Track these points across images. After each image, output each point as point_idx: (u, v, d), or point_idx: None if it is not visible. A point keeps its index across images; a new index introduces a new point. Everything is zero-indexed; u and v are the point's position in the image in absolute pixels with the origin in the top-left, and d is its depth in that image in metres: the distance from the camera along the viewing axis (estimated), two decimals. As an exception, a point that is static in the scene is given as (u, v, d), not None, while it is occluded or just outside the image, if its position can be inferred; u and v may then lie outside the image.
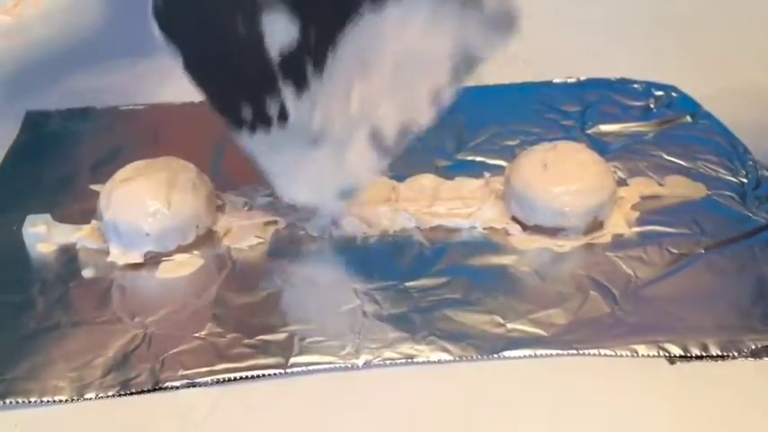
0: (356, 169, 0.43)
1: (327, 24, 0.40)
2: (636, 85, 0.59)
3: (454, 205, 0.48)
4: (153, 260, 0.45)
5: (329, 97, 0.41)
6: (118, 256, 0.45)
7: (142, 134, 0.55)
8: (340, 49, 0.40)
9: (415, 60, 0.40)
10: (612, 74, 0.59)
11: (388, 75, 0.40)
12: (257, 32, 0.40)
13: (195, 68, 0.42)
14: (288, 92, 0.41)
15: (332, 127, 0.42)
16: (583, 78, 0.59)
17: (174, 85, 0.58)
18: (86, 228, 0.47)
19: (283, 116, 0.42)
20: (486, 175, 0.50)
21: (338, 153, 0.43)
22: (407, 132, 0.42)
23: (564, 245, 0.46)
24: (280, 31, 0.40)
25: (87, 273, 0.45)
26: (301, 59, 0.40)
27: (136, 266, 0.45)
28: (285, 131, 0.42)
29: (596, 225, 0.47)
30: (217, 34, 0.41)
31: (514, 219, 0.47)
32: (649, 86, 0.58)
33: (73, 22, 0.66)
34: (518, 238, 0.47)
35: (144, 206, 0.45)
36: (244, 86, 0.42)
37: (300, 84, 0.41)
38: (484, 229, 0.47)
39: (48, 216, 0.47)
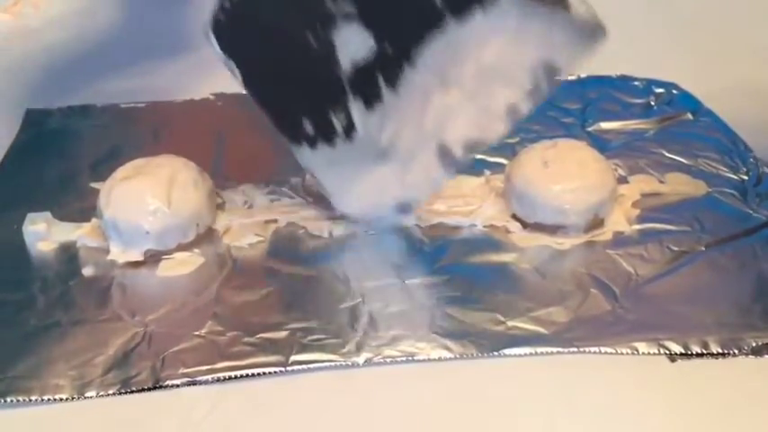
0: (419, 183, 0.43)
1: (406, 36, 0.39)
2: (637, 83, 0.59)
3: (455, 203, 0.48)
4: (153, 258, 0.45)
5: (402, 111, 0.41)
6: (118, 254, 0.45)
7: (142, 132, 0.55)
8: (419, 61, 0.39)
9: (496, 72, 0.39)
10: (613, 71, 0.59)
11: (468, 87, 0.39)
12: (329, 44, 0.39)
13: (256, 84, 0.42)
14: (357, 105, 0.41)
15: (401, 141, 0.41)
16: (583, 76, 0.59)
17: (174, 84, 0.58)
18: (87, 226, 0.47)
19: (350, 130, 0.42)
20: (487, 172, 0.50)
21: (403, 167, 0.42)
22: (478, 146, 0.41)
23: (564, 242, 0.46)
24: (354, 43, 0.39)
25: (87, 271, 0.45)
26: (374, 72, 0.40)
27: (136, 265, 0.45)
28: (349, 145, 0.42)
29: (597, 223, 0.46)
30: (282, 48, 0.41)
31: (515, 216, 0.47)
32: (650, 84, 0.58)
33: (73, 20, 0.66)
34: (518, 235, 0.47)
35: (144, 204, 0.45)
36: (308, 100, 0.42)
37: (371, 97, 0.40)
38: (484, 226, 0.47)
39: (48, 214, 0.47)
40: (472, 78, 0.39)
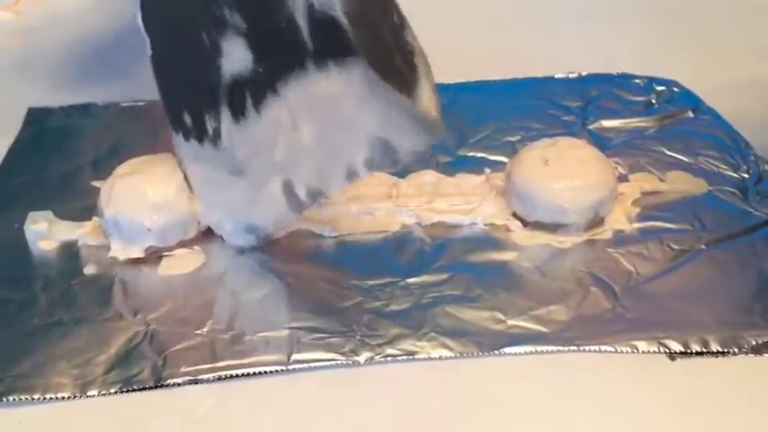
0: (266, 212, 0.43)
1: (276, 66, 0.40)
2: (637, 81, 0.58)
3: (455, 201, 0.48)
4: (154, 255, 0.45)
5: (260, 135, 0.41)
6: (119, 251, 0.45)
7: (144, 130, 0.55)
8: (281, 93, 0.40)
9: (340, 131, 0.39)
10: (614, 69, 0.59)
11: (314, 137, 0.40)
12: (217, 49, 0.41)
13: (158, 63, 0.43)
14: (226, 116, 0.42)
15: (254, 164, 0.42)
16: (584, 74, 0.59)
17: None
18: (88, 224, 0.47)
19: (217, 137, 0.42)
20: (487, 171, 0.50)
21: (254, 190, 0.43)
22: (319, 196, 0.42)
23: (565, 241, 0.46)
24: (236, 56, 0.40)
25: (89, 269, 0.45)
26: (245, 90, 0.41)
27: (137, 262, 0.45)
28: (214, 151, 0.43)
29: (597, 221, 0.47)
30: (182, 39, 0.42)
31: (515, 215, 0.47)
32: (651, 81, 0.58)
33: (74, 19, 0.66)
34: (519, 234, 0.47)
35: (145, 201, 0.45)
36: (191, 95, 0.43)
37: (239, 112, 0.41)
38: (485, 225, 0.47)
39: (49, 213, 0.47)
40: (320, 128, 0.40)
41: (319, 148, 0.40)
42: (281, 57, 0.40)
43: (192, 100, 0.43)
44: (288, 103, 0.40)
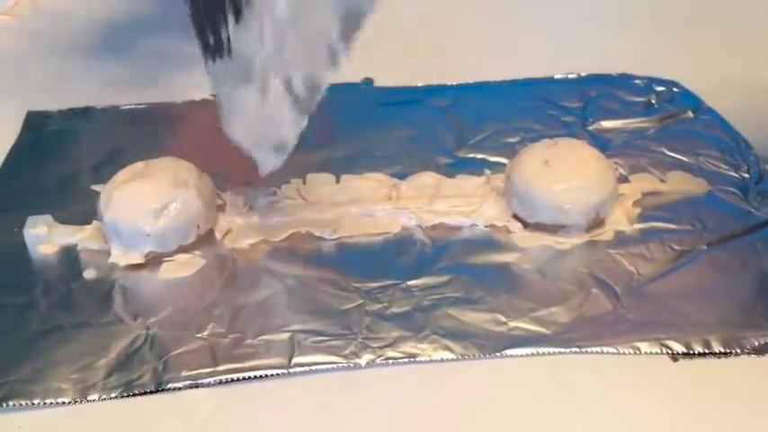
0: (280, 120, 0.42)
1: None
2: (637, 81, 0.58)
3: (455, 203, 0.48)
4: (154, 261, 0.45)
5: (252, 29, 0.40)
6: (119, 256, 0.45)
7: (143, 134, 0.55)
8: None
9: (303, 17, 0.39)
10: (613, 69, 0.59)
11: (290, 11, 0.39)
12: None
13: None
14: (231, 19, 0.41)
15: (255, 66, 0.41)
16: (584, 74, 0.59)
17: (174, 83, 0.58)
18: (87, 229, 0.47)
19: (229, 45, 0.42)
20: (487, 172, 0.50)
21: (262, 98, 0.42)
22: (315, 90, 0.41)
23: (565, 242, 0.46)
24: None
25: (89, 274, 0.45)
26: None
27: (137, 267, 0.45)
28: (231, 63, 0.42)
29: (598, 222, 0.46)
30: None
31: (516, 216, 0.47)
32: (651, 82, 0.58)
33: (74, 22, 0.66)
34: (519, 235, 0.46)
35: (144, 206, 0.44)
36: (210, 7, 0.42)
37: (237, 10, 0.40)
38: (485, 227, 0.47)
39: (48, 217, 0.47)
40: (292, 11, 0.39)
41: (297, 25, 0.39)
42: None
43: (210, 14, 0.42)
44: None
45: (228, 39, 0.42)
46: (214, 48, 0.43)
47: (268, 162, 0.45)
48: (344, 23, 0.38)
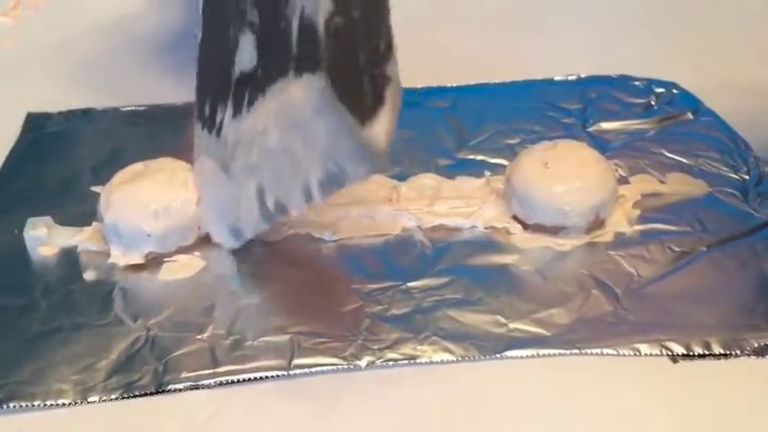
0: (246, 216, 0.43)
1: (271, 68, 0.40)
2: (637, 83, 0.58)
3: (455, 205, 0.48)
4: (154, 261, 0.45)
5: (244, 134, 0.41)
6: (119, 257, 0.45)
7: (143, 135, 0.55)
8: (267, 96, 0.40)
9: (300, 143, 0.39)
10: (613, 71, 0.59)
11: (279, 144, 0.40)
12: (236, 42, 0.41)
13: (200, 51, 0.44)
14: (229, 109, 0.42)
15: (237, 163, 0.42)
16: (583, 76, 0.59)
17: (174, 85, 0.58)
18: (87, 230, 0.46)
19: (220, 128, 0.43)
20: (487, 173, 0.50)
21: (235, 191, 0.43)
22: (283, 211, 0.41)
23: (565, 244, 0.46)
24: (246, 53, 0.41)
25: (89, 275, 0.45)
26: (245, 87, 0.41)
27: (137, 268, 0.45)
28: (216, 142, 0.43)
29: (598, 223, 0.46)
30: (218, 29, 0.43)
31: (515, 218, 0.47)
32: (650, 83, 0.58)
33: (73, 23, 0.66)
34: (519, 237, 0.46)
35: (144, 207, 0.44)
36: (214, 84, 0.43)
37: (236, 108, 0.41)
38: (485, 228, 0.47)
39: (48, 218, 0.47)
40: (284, 136, 0.40)
41: (282, 156, 0.40)
42: (276, 59, 0.40)
43: (213, 90, 0.43)
44: (267, 106, 0.40)
45: (221, 123, 0.43)
46: (207, 120, 0.44)
47: (225, 240, 0.45)
48: (325, 178, 0.39)
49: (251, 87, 0.41)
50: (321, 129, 0.38)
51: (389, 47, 0.40)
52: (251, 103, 0.41)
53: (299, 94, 0.38)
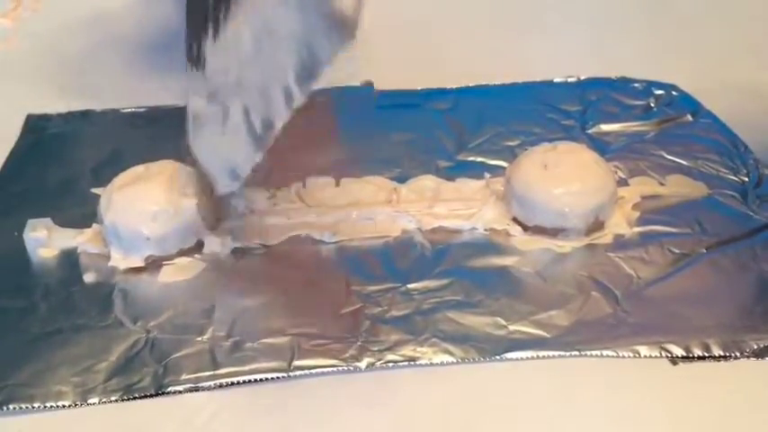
0: (236, 147, 0.42)
1: None
2: (636, 84, 0.58)
3: (455, 206, 0.48)
4: (154, 264, 0.45)
5: (224, 52, 0.40)
6: (119, 260, 0.45)
7: (143, 137, 0.55)
8: (239, 11, 0.39)
9: (272, 37, 0.38)
10: (613, 73, 0.59)
11: (252, 45, 0.39)
12: None
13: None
14: (210, 34, 0.41)
15: (220, 87, 0.41)
16: (583, 78, 0.59)
17: (174, 87, 0.58)
18: (87, 232, 0.46)
19: (204, 59, 0.42)
20: (487, 175, 0.50)
21: (222, 119, 0.42)
22: (270, 128, 0.40)
23: (565, 245, 0.46)
24: None
25: (88, 277, 0.45)
26: (219, 5, 0.40)
27: (137, 270, 0.45)
28: (202, 76, 0.42)
29: (597, 225, 0.46)
30: None
31: (515, 220, 0.47)
32: (650, 85, 0.58)
33: (72, 25, 0.66)
34: (519, 239, 0.46)
35: (144, 210, 0.44)
36: (198, 17, 0.42)
37: (216, 28, 0.40)
38: (485, 230, 0.47)
39: (48, 220, 0.47)
40: (256, 35, 0.39)
41: (258, 61, 0.39)
42: None
43: (197, 23, 0.42)
44: (239, 11, 0.39)
45: (204, 53, 0.42)
46: (195, 57, 0.43)
47: (224, 183, 0.44)
48: (301, 69, 0.38)
49: (223, 5, 0.40)
50: (287, 14, 0.37)
51: None
52: (226, 17, 0.40)
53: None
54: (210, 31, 0.41)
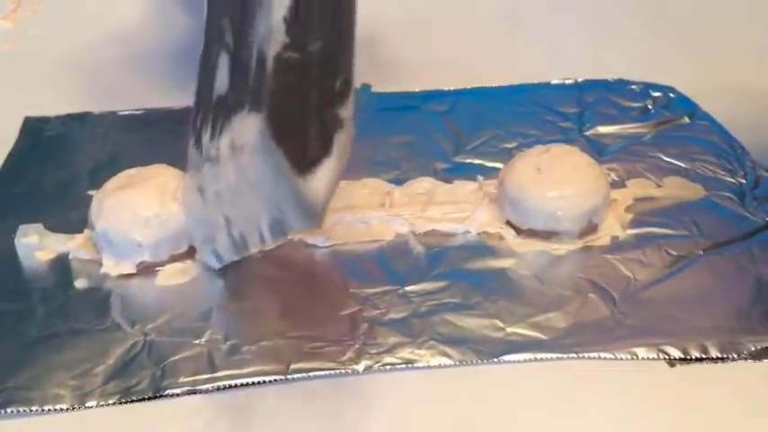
0: (220, 242, 0.42)
1: (236, 97, 0.38)
2: (633, 86, 0.59)
3: (448, 210, 0.48)
4: (146, 270, 0.45)
5: (215, 159, 0.40)
6: (111, 266, 0.44)
7: (141, 139, 0.55)
8: (232, 126, 0.38)
9: (249, 184, 0.38)
10: (610, 75, 0.59)
11: (236, 179, 0.39)
12: (217, 63, 0.40)
13: (200, 68, 0.43)
14: (208, 129, 0.41)
15: (208, 189, 0.41)
16: (580, 80, 0.59)
17: (172, 89, 0.58)
18: (79, 237, 0.46)
19: (201, 146, 0.41)
20: (480, 178, 0.50)
21: (209, 216, 0.42)
22: (244, 248, 0.41)
23: (562, 248, 0.46)
24: (223, 75, 0.40)
25: (80, 283, 0.44)
26: (219, 111, 0.40)
27: (130, 276, 0.45)
28: (200, 160, 0.41)
29: (590, 228, 0.46)
30: (207, 45, 0.42)
31: (508, 223, 0.47)
32: (647, 87, 0.58)
33: (72, 28, 0.66)
34: (512, 242, 0.46)
35: (136, 216, 0.44)
36: (203, 101, 0.42)
37: (215, 130, 0.40)
38: (478, 234, 0.47)
39: (40, 226, 0.47)
40: (239, 173, 0.38)
41: (239, 193, 0.39)
42: (240, 89, 0.38)
43: (202, 106, 0.43)
44: (230, 137, 0.39)
45: (203, 143, 0.41)
46: (196, 136, 0.42)
47: (206, 258, 0.44)
48: (273, 224, 0.39)
49: (223, 112, 0.39)
50: (262, 172, 0.37)
51: (348, 84, 0.39)
52: (222, 129, 0.39)
53: (246, 131, 0.36)
54: (209, 128, 0.40)
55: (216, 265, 0.44)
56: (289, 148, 0.36)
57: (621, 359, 0.40)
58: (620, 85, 0.59)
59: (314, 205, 0.37)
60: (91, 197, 0.48)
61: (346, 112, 0.39)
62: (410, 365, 0.40)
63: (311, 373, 0.40)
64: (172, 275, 0.45)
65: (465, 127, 0.55)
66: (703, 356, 0.40)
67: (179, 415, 0.38)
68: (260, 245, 0.41)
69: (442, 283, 0.44)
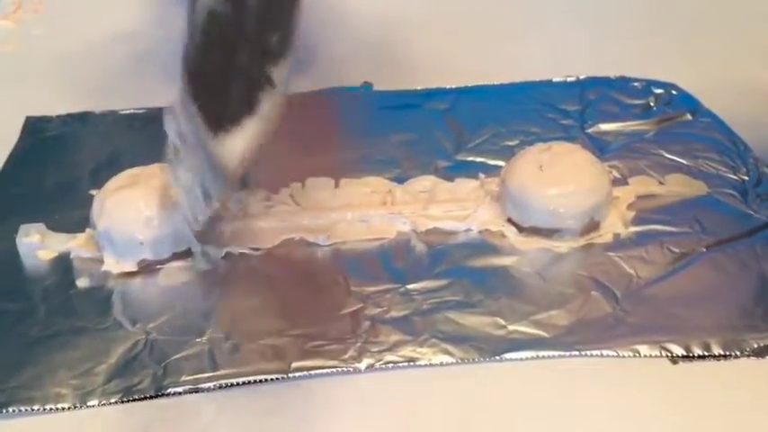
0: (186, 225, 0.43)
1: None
2: (636, 84, 0.58)
3: (449, 208, 0.48)
4: (148, 268, 0.45)
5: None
6: (112, 265, 0.44)
7: (142, 139, 0.55)
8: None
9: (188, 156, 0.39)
10: (612, 72, 0.59)
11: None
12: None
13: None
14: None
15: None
16: (582, 77, 0.59)
17: (173, 87, 0.58)
18: (80, 237, 0.46)
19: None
20: (481, 176, 0.50)
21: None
22: (189, 231, 0.42)
23: (560, 246, 0.46)
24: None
25: (82, 282, 0.44)
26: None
27: (134, 273, 0.45)
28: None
29: (593, 226, 0.46)
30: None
31: (510, 221, 0.47)
32: (649, 84, 0.58)
33: (73, 27, 0.66)
34: (514, 239, 0.46)
35: (137, 214, 0.44)
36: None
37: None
38: (479, 231, 0.47)
39: (41, 225, 0.47)
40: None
41: (185, 160, 0.40)
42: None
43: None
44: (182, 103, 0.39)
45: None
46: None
47: (198, 262, 0.45)
48: (204, 190, 0.39)
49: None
50: (187, 131, 0.36)
51: (284, 43, 0.37)
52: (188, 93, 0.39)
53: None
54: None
55: (206, 266, 0.45)
56: (206, 107, 0.35)
57: (624, 357, 0.40)
58: (622, 83, 0.58)
59: (227, 167, 0.36)
60: (92, 197, 0.48)
61: (279, 72, 0.37)
62: (412, 363, 0.40)
63: (313, 372, 0.40)
64: (173, 274, 0.45)
65: (466, 125, 0.55)
66: (706, 354, 0.40)
67: (181, 413, 0.38)
68: (206, 213, 0.40)
69: (443, 281, 0.44)
